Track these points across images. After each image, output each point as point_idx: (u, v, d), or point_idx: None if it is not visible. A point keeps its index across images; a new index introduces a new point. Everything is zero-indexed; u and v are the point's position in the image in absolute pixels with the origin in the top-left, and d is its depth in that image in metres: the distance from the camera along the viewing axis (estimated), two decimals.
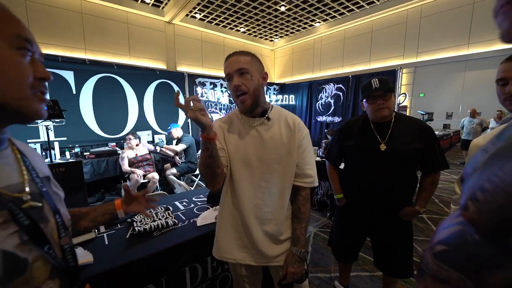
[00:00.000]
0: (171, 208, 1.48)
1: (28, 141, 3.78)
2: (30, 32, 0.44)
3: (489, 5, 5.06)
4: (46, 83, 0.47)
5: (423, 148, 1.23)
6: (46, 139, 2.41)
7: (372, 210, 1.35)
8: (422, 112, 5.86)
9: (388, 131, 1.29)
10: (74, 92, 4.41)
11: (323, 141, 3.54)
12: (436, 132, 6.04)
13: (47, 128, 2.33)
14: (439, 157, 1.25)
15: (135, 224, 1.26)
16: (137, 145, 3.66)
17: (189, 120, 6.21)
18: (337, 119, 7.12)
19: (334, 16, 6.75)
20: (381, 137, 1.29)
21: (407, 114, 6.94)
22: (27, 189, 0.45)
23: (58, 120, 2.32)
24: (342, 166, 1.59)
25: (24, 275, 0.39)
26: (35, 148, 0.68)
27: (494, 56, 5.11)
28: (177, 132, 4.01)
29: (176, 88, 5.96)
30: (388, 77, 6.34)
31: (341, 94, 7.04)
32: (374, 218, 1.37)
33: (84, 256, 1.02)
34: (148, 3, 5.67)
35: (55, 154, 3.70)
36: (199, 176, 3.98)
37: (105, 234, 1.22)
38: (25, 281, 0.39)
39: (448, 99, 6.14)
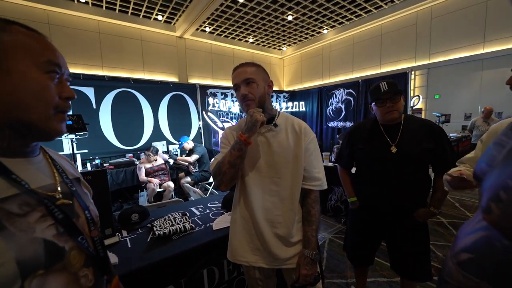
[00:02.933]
0: (188, 214, 1.54)
1: None
2: (60, 55, 0.50)
3: (503, 1, 4.94)
4: (70, 102, 0.52)
5: (433, 148, 1.23)
6: (71, 152, 2.57)
7: (386, 213, 1.34)
8: (437, 114, 5.68)
9: (398, 133, 1.30)
10: (94, 107, 4.68)
11: (335, 147, 3.53)
12: (454, 134, 5.78)
13: (72, 141, 2.49)
14: (449, 157, 1.24)
15: (155, 229, 1.32)
16: (155, 160, 3.84)
17: (201, 130, 6.37)
18: (348, 124, 7.04)
19: (342, 22, 6.79)
20: (391, 139, 1.30)
21: (422, 116, 6.75)
22: (59, 188, 0.51)
23: (81, 133, 2.48)
24: (353, 170, 1.60)
25: (63, 261, 0.45)
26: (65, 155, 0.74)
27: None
28: (188, 145, 4.15)
29: (188, 99, 6.16)
30: (399, 80, 6.25)
31: (351, 99, 6.98)
32: (388, 221, 1.35)
33: (109, 258, 1.09)
34: (160, 20, 5.97)
35: (77, 166, 3.91)
36: (213, 184, 4.06)
37: (127, 238, 1.29)
38: (64, 267, 0.45)
39: (465, 99, 5.94)
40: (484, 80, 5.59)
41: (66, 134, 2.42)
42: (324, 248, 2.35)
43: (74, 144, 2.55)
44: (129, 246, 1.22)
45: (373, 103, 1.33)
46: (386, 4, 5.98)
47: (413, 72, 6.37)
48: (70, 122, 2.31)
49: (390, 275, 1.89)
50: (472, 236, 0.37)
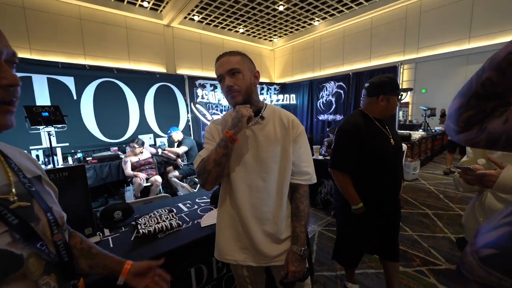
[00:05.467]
0: (174, 210, 1.48)
1: (30, 147, 3.81)
2: None
3: None
4: (19, 89, 0.44)
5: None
6: (48, 146, 2.42)
7: (388, 206, 1.37)
8: (424, 108, 5.81)
9: (385, 126, 1.37)
10: (75, 98, 4.43)
11: (325, 140, 3.53)
12: (440, 127, 5.94)
13: (49, 134, 2.33)
14: None
15: (139, 227, 1.26)
16: (141, 152, 3.69)
17: (190, 123, 6.22)
18: (339, 117, 7.09)
19: (333, 14, 6.73)
20: (387, 132, 1.35)
21: (409, 110, 6.91)
22: (13, 190, 0.46)
23: (59, 125, 2.32)
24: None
25: (21, 270, 0.41)
26: (26, 151, 0.63)
27: (496, 50, 5.05)
28: (177, 135, 4.03)
29: (176, 91, 5.97)
30: (389, 74, 6.32)
31: (342, 92, 7.01)
32: (390, 212, 1.39)
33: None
34: (146, 7, 5.69)
35: (57, 160, 3.72)
36: None
37: (109, 238, 1.22)
38: (23, 275, 0.41)
39: (450, 94, 6.07)
40: (468, 75, 5.72)
41: (43, 127, 2.26)
42: (313, 241, 2.36)
43: (52, 137, 2.39)
44: (111, 246, 1.15)
45: (387, 94, 1.30)
46: None
47: (402, 66, 6.45)
48: (46, 114, 2.16)
49: (378, 266, 1.92)
50: (496, 231, 0.38)
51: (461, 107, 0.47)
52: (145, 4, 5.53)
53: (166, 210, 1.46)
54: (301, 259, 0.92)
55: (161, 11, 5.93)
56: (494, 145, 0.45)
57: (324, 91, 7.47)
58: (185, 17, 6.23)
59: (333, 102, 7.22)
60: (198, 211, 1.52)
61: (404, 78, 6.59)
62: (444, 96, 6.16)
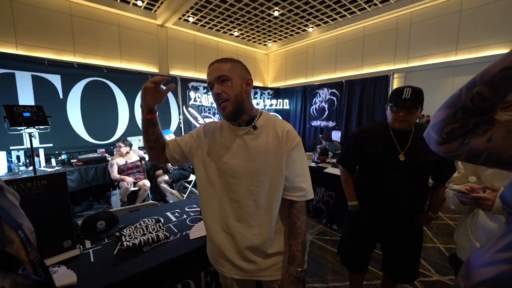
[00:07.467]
0: (162, 220, 1.41)
1: (11, 147, 3.61)
2: None
3: (475, 13, 5.23)
4: None
5: (439, 160, 1.25)
6: (29, 146, 2.28)
7: (387, 219, 1.35)
8: None
9: (408, 141, 1.29)
10: (61, 97, 4.25)
11: (318, 146, 3.52)
12: None
13: (30, 136, 2.20)
14: (451, 169, 1.28)
15: (123, 239, 1.18)
16: (127, 152, 3.56)
17: (181, 125, 6.12)
18: (331, 124, 7.15)
19: (327, 22, 6.83)
20: (401, 146, 1.29)
21: None
22: None
23: (42, 127, 2.20)
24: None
25: None
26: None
27: (481, 62, 5.26)
28: (169, 138, 3.93)
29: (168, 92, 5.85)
30: (381, 83, 6.44)
31: (335, 99, 7.08)
32: (388, 226, 1.36)
33: (67, 276, 0.94)
34: (140, 6, 5.59)
35: (40, 161, 3.54)
36: (192, 182, 3.90)
37: (90, 251, 1.14)
38: None
39: (438, 103, 6.00)
40: (455, 86, 5.92)
41: (23, 128, 2.13)
42: (305, 251, 2.32)
43: (34, 139, 2.26)
44: (92, 260, 1.07)
45: (388, 105, 1.30)
46: (369, 6, 6.09)
47: (392, 75, 6.60)
48: (28, 115, 2.03)
49: (370, 278, 1.90)
50: (494, 268, 0.35)
51: (447, 118, 0.48)
52: (139, 3, 5.42)
53: (153, 220, 1.38)
54: (297, 281, 0.87)
55: (155, 11, 5.84)
56: (474, 160, 0.47)
57: (317, 98, 7.53)
58: (180, 18, 6.16)
59: (326, 108, 7.29)
60: (187, 221, 1.45)
61: (395, 87, 6.73)
62: (432, 106, 6.30)
